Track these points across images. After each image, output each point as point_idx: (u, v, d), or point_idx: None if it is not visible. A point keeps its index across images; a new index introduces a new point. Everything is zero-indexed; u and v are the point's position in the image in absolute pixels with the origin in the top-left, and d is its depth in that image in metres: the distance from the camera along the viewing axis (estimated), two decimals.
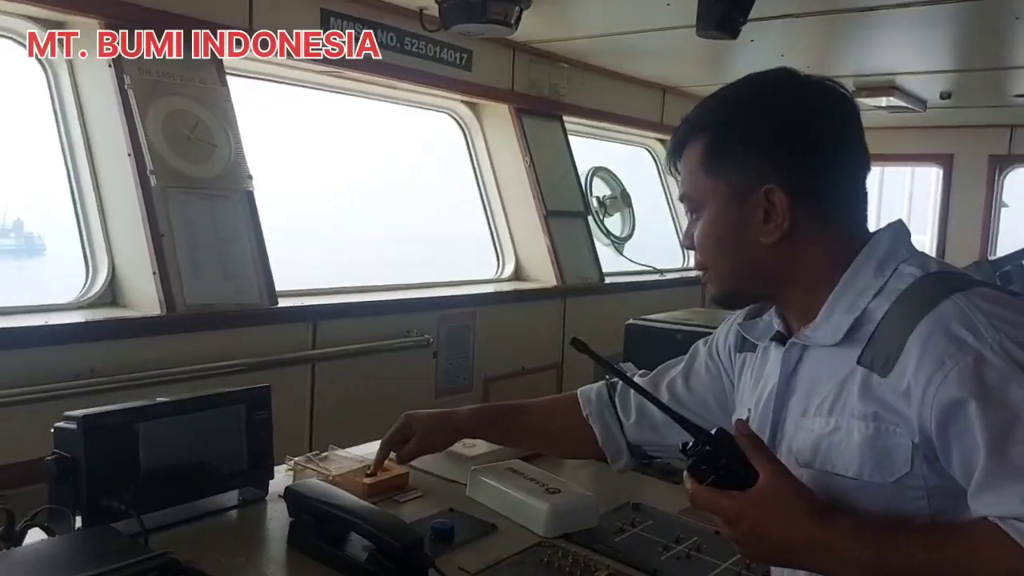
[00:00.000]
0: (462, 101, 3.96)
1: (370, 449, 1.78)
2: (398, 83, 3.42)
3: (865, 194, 1.14)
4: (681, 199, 1.19)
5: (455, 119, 4.07)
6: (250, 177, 2.77)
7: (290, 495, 1.36)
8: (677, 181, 1.21)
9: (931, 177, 6.20)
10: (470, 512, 1.53)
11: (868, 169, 1.14)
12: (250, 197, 2.76)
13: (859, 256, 1.09)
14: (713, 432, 1.03)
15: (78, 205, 2.64)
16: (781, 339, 1.16)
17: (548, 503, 1.46)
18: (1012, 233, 5.71)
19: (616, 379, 1.59)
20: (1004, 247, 5.19)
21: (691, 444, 1.04)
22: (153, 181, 2.50)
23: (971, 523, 0.91)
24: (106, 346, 2.36)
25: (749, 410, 1.23)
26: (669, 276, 4.98)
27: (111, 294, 2.63)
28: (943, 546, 0.90)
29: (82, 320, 2.42)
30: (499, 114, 3.99)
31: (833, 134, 1.10)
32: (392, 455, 1.63)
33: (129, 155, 2.50)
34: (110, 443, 1.27)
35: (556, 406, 1.64)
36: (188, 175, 2.61)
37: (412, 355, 3.17)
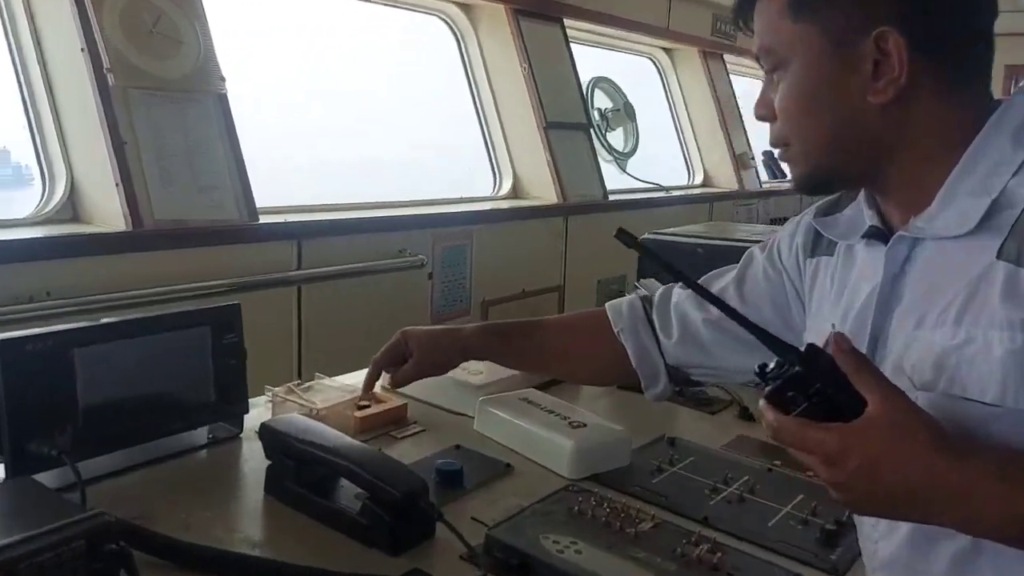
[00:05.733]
0: (455, 3, 3.63)
1: (361, 378, 1.56)
2: None
3: (993, 47, 0.89)
4: (757, 57, 0.93)
5: (447, 23, 3.74)
6: (222, 79, 2.47)
7: (266, 434, 1.13)
8: (747, 34, 0.95)
9: None
10: (480, 450, 1.31)
11: (996, 15, 0.89)
12: (223, 101, 2.47)
13: (987, 125, 0.84)
14: (803, 349, 0.80)
15: (30, 109, 2.35)
16: (878, 234, 0.92)
17: (573, 439, 1.24)
18: None
19: (651, 293, 1.35)
20: None
21: (773, 365, 0.81)
22: (111, 80, 2.21)
23: None
24: (64, 265, 2.10)
25: (833, 325, 1.00)
26: (675, 194, 4.73)
27: (71, 209, 2.36)
28: None
29: (36, 236, 2.15)
30: (495, 17, 3.66)
31: None
32: (384, 382, 1.40)
33: (83, 51, 2.20)
34: (38, 374, 1.03)
35: (579, 322, 1.41)
36: (151, 74, 2.31)
37: (406, 277, 2.92)
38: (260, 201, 2.54)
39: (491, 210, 3.51)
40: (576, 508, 1.08)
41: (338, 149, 3.74)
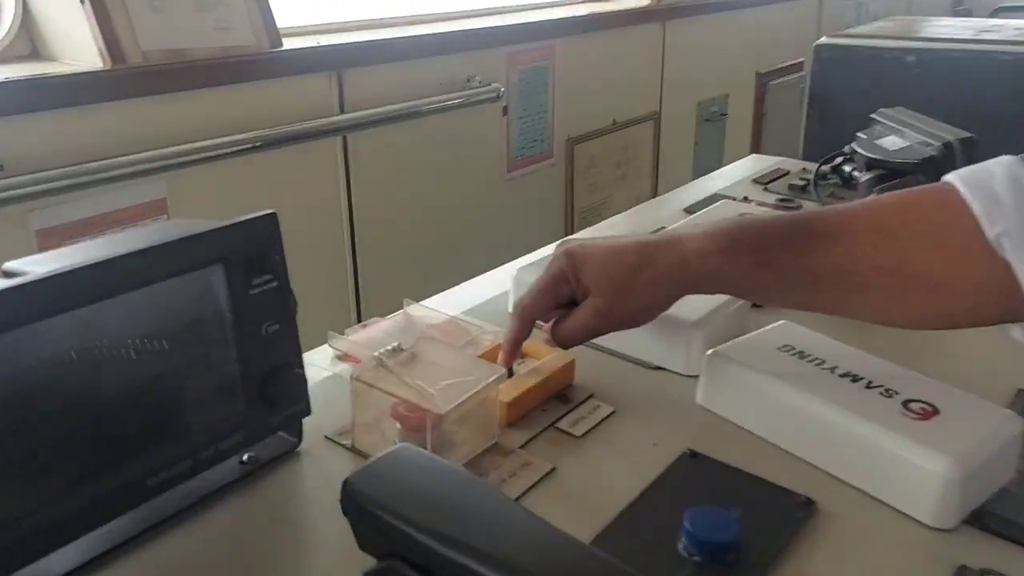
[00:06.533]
0: None
1: (471, 296, 0.98)
2: None
3: None
4: None
5: None
6: None
7: (354, 507, 0.53)
8: None
9: None
10: (726, 458, 0.71)
11: None
12: None
13: None
14: None
15: None
16: None
17: (947, 456, 0.63)
18: None
19: None
20: None
21: None
22: None
23: None
24: (20, 124, 1.49)
25: None
26: None
27: (27, 42, 1.72)
28: None
29: None
30: None
31: None
32: (542, 328, 0.80)
33: None
34: None
35: (906, 222, 0.74)
36: None
37: (476, 114, 2.26)
38: (282, 20, 1.87)
39: (574, 18, 2.77)
40: None
41: None
